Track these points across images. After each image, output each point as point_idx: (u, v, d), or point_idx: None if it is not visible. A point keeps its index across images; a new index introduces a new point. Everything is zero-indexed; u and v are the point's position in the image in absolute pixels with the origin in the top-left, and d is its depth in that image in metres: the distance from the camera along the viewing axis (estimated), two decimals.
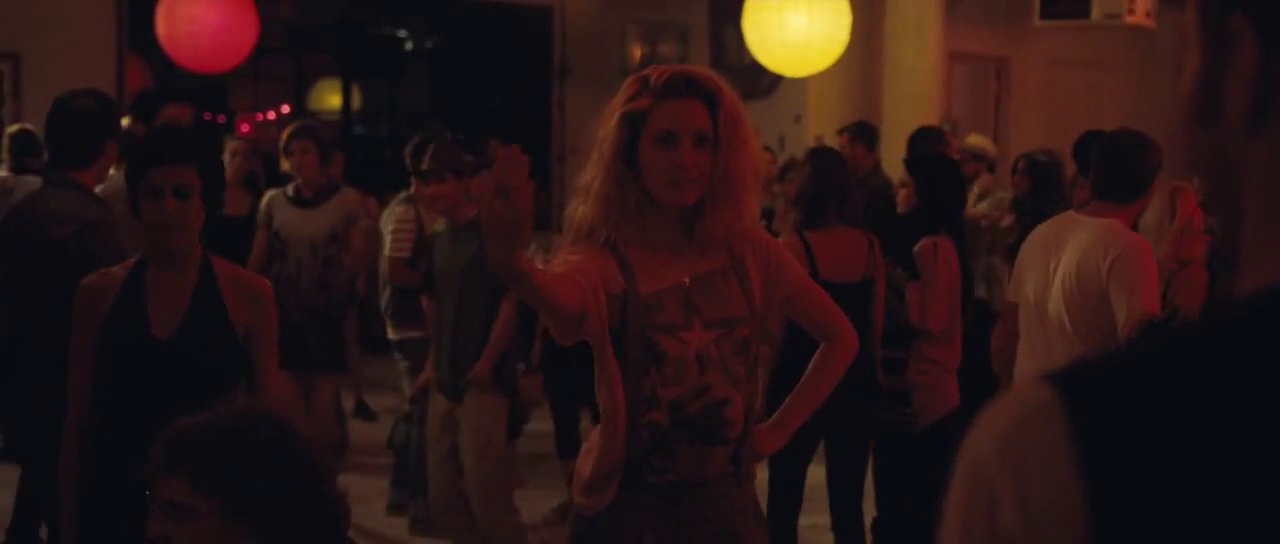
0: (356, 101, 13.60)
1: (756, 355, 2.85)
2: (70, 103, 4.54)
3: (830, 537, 5.02)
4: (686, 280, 2.76)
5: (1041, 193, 7.03)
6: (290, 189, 6.32)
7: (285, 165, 6.35)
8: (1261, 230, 0.87)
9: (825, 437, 4.84)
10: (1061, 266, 4.12)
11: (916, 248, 4.80)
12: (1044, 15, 9.16)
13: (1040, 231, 4.36)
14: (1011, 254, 6.70)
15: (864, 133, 7.90)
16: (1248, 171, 0.87)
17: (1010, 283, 4.53)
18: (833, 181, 4.88)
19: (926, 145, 6.80)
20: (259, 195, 6.79)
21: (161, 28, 8.31)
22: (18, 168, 7.25)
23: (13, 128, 7.58)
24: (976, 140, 8.59)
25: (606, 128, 2.73)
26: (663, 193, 2.70)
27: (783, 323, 4.32)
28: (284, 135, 6.41)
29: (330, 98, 13.82)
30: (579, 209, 2.78)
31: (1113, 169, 4.14)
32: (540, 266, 2.59)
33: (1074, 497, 0.78)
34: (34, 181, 7.16)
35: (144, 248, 3.27)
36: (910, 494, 4.86)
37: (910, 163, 5.12)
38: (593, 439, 2.85)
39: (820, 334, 3.05)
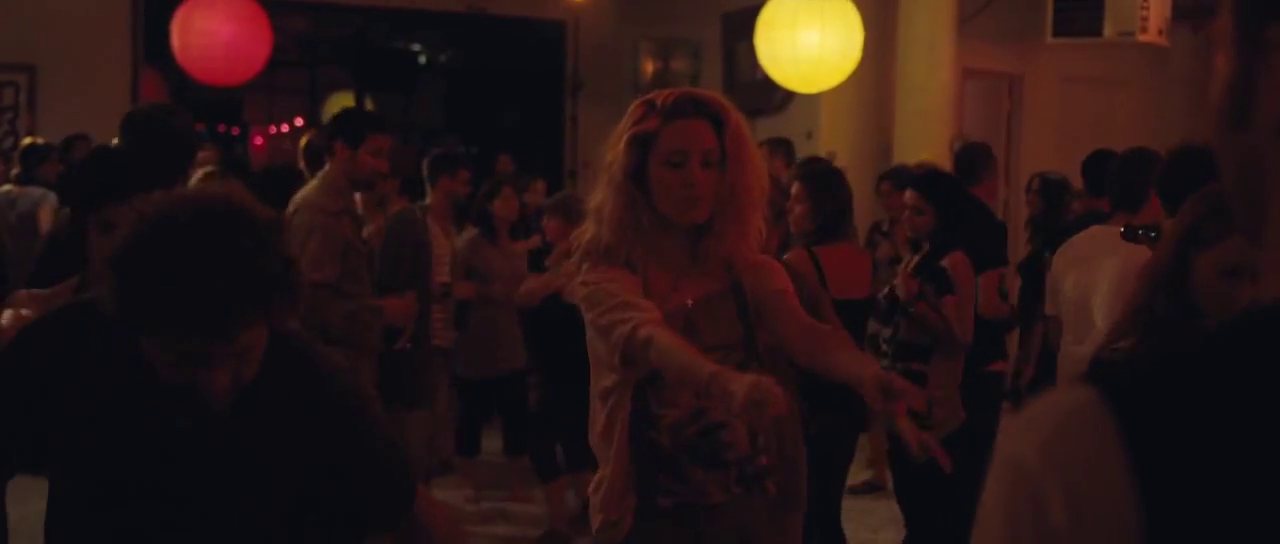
0: None
1: None
2: (161, 122, 4.42)
3: None
4: (689, 302, 2.79)
5: (1055, 211, 7.05)
6: None
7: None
8: None
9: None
10: (1112, 267, 4.31)
11: (948, 262, 4.82)
12: (1056, 33, 9.15)
13: (1077, 244, 4.63)
14: (1024, 271, 6.72)
15: (782, 146, 7.97)
16: (1276, 177, 0.88)
17: (1048, 296, 4.73)
18: (848, 200, 4.96)
19: (974, 161, 6.81)
20: None
21: (175, 40, 8.36)
22: (26, 179, 7.29)
23: (26, 141, 7.63)
24: (928, 158, 8.56)
25: (615, 151, 2.78)
26: (673, 211, 2.75)
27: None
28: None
29: None
30: (590, 231, 2.81)
31: (1120, 184, 4.58)
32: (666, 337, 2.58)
33: (1126, 493, 0.79)
34: (37, 192, 7.21)
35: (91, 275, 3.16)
36: (936, 509, 4.86)
37: (919, 183, 5.13)
38: (601, 474, 2.85)
39: (806, 333, 2.80)
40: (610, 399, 2.79)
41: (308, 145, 6.50)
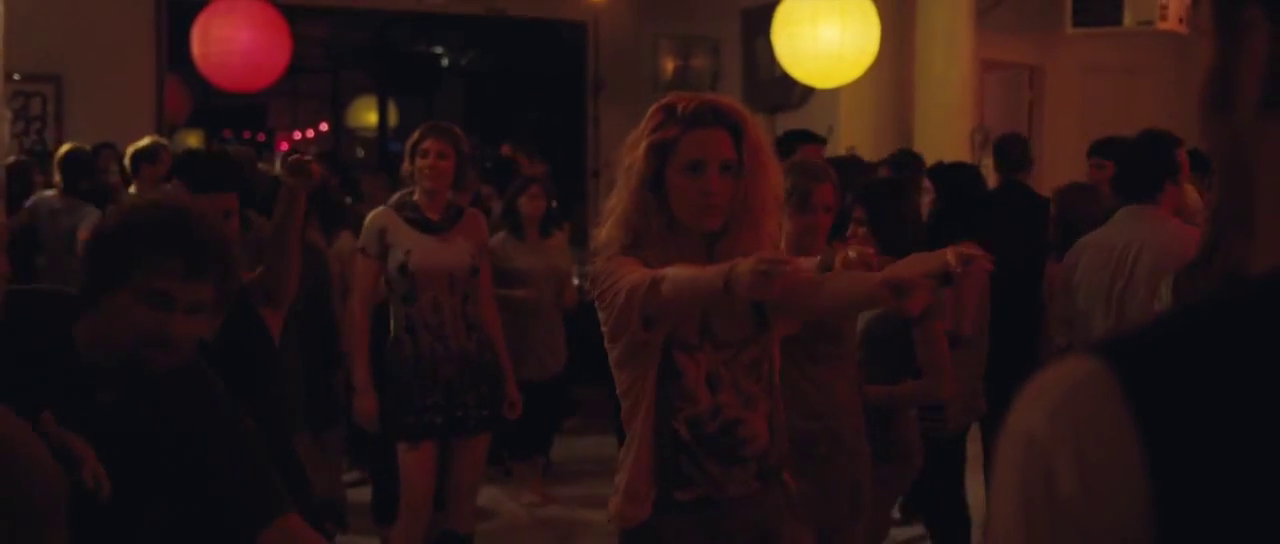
0: (392, 118, 13.72)
1: (770, 375, 2.90)
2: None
3: None
4: None
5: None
6: (409, 208, 4.92)
7: (407, 168, 4.96)
8: (1276, 209, 0.90)
9: None
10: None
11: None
12: (1076, 23, 9.14)
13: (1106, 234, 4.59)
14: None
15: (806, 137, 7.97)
16: (1260, 156, 0.91)
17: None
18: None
19: (1013, 154, 6.80)
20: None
21: (196, 48, 8.43)
22: (68, 188, 7.28)
23: (64, 148, 7.63)
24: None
25: (633, 156, 2.84)
26: (690, 218, 2.80)
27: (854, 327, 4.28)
28: (415, 135, 4.98)
29: (367, 114, 13.94)
30: (605, 232, 2.86)
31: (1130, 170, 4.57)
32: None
33: (1134, 458, 0.81)
34: (84, 208, 7.17)
35: None
36: (944, 499, 4.86)
37: (932, 171, 5.13)
38: (624, 454, 2.91)
39: (813, 283, 2.87)
40: (632, 394, 2.84)
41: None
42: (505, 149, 9.44)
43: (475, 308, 4.94)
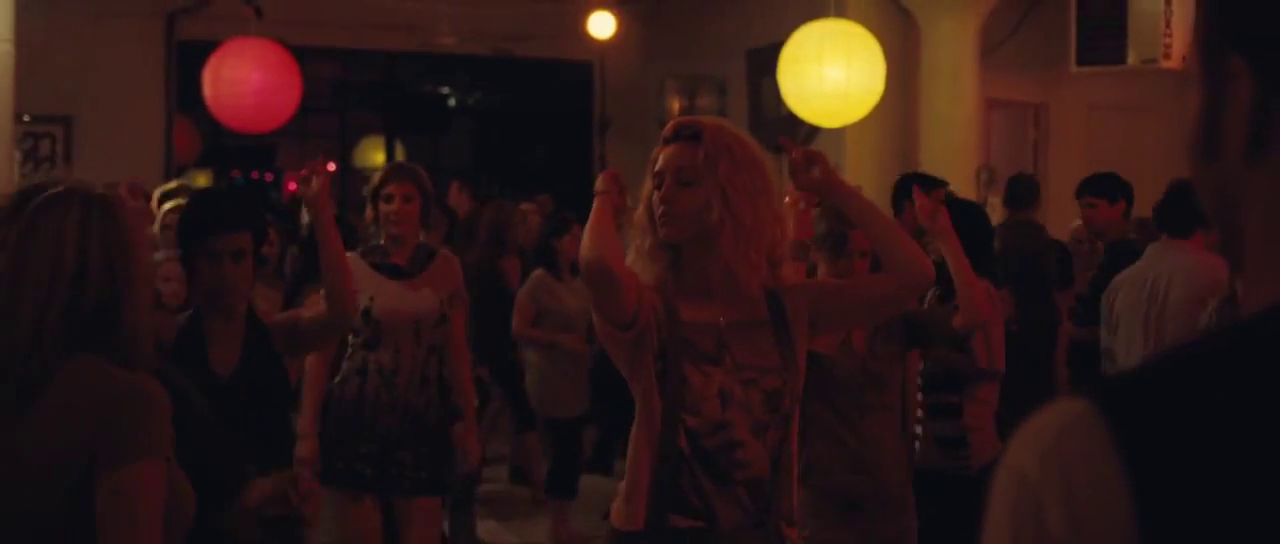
0: (400, 157, 13.75)
1: (789, 412, 2.88)
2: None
3: None
4: (722, 322, 2.85)
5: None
6: (376, 253, 4.73)
7: (370, 215, 4.74)
8: (1265, 252, 0.92)
9: None
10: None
11: None
12: (1080, 61, 9.18)
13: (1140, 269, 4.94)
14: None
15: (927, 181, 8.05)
16: (1247, 200, 0.92)
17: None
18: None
19: (1023, 193, 6.85)
20: None
21: (207, 90, 8.48)
22: None
23: None
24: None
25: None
26: (660, 230, 2.85)
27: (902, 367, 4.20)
28: (375, 179, 4.80)
29: (375, 154, 13.98)
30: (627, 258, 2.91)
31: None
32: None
33: (1121, 497, 0.82)
34: None
35: (201, 301, 3.60)
36: (964, 538, 4.84)
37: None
38: (629, 461, 2.92)
39: (883, 277, 3.04)
40: (640, 406, 2.85)
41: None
42: (453, 187, 9.34)
43: (437, 365, 4.73)
